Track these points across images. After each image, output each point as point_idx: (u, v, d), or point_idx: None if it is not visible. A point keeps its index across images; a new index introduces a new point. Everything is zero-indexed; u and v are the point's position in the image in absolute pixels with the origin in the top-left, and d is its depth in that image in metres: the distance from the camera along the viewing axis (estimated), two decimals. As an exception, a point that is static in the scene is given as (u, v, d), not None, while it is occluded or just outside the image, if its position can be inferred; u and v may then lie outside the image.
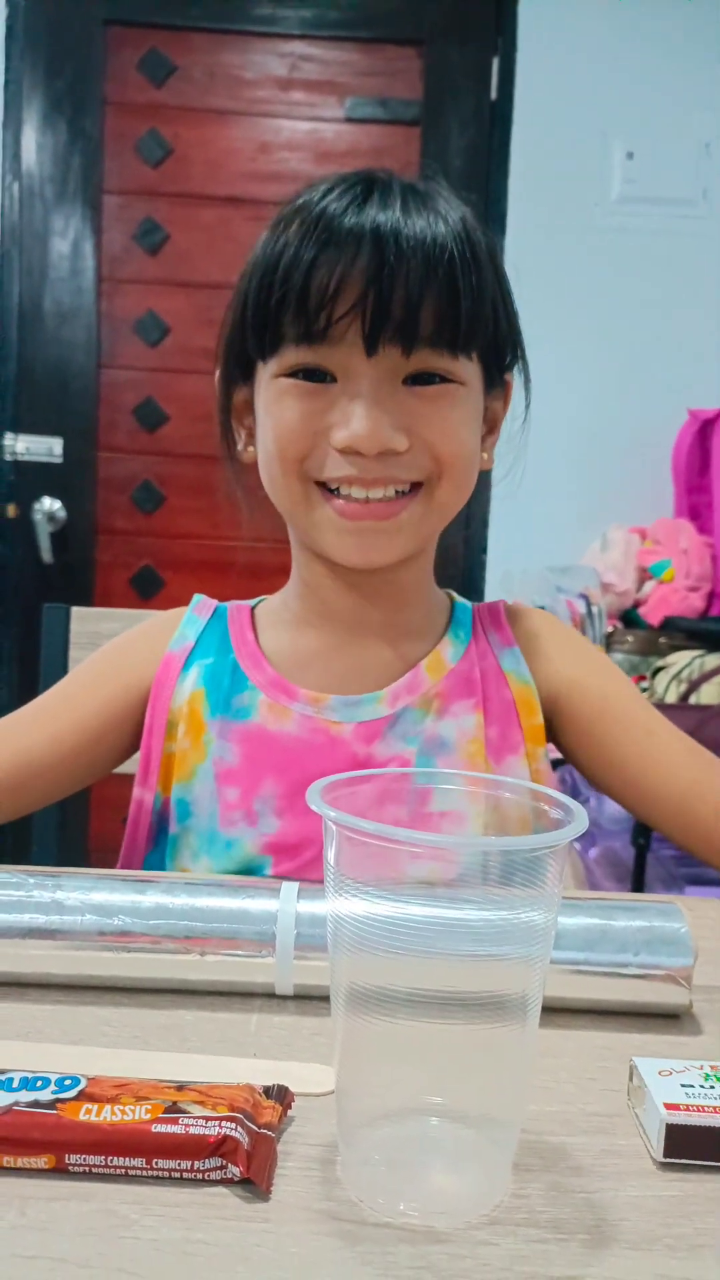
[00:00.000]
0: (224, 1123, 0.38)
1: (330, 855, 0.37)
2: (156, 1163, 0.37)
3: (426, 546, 0.71)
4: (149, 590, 2.17)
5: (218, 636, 0.74)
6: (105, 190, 2.14)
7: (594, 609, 1.91)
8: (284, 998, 0.51)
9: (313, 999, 0.50)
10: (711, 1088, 0.41)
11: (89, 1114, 0.38)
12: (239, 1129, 0.38)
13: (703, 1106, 0.40)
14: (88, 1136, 0.37)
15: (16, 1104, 0.38)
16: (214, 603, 0.77)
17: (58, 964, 0.51)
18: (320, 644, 0.72)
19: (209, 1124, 0.38)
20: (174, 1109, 0.38)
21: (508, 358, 0.70)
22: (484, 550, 2.17)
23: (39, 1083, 0.39)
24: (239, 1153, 0.37)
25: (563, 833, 0.36)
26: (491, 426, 0.72)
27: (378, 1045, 0.37)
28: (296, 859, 0.68)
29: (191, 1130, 0.37)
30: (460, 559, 2.19)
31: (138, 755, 0.73)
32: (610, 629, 1.91)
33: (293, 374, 0.64)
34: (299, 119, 2.16)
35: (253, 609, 0.76)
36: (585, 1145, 0.41)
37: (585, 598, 1.94)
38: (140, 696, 0.72)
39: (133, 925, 0.51)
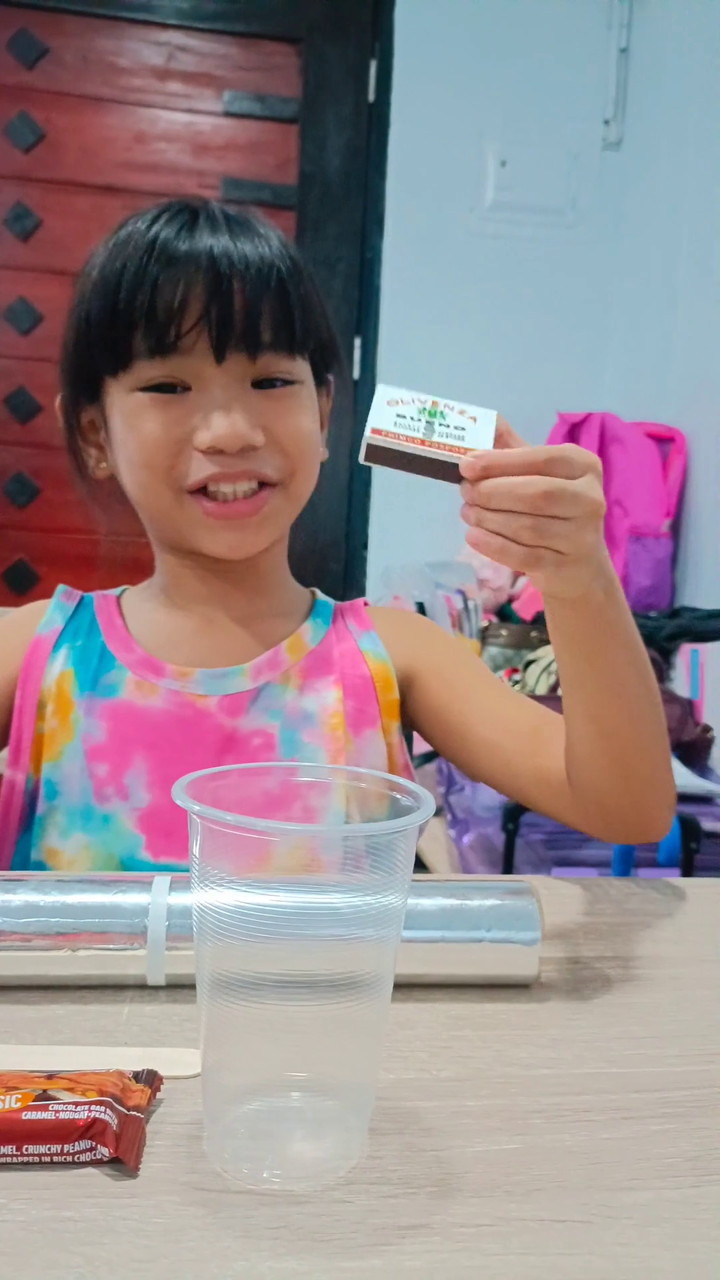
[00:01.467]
0: (93, 1106, 0.39)
1: (195, 848, 0.39)
2: (26, 1149, 0.38)
3: (283, 536, 0.77)
4: (23, 585, 2.12)
5: (86, 621, 0.76)
6: (-26, 173, 2.08)
7: (470, 604, 1.97)
8: (156, 988, 0.52)
9: (184, 988, 0.52)
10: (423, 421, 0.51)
11: None
12: (108, 1111, 0.39)
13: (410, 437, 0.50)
14: None
15: None
16: (79, 592, 0.79)
17: None
18: (186, 626, 0.75)
19: (78, 1108, 0.39)
20: (44, 1096, 0.39)
21: (329, 358, 0.77)
22: (365, 546, 2.21)
23: None
24: (107, 1134, 0.38)
25: (412, 817, 0.39)
26: (323, 421, 0.78)
27: (243, 1027, 0.39)
28: (172, 835, 0.70)
29: (61, 1115, 0.39)
30: (342, 554, 2.22)
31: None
32: (485, 623, 1.97)
33: (147, 388, 0.68)
34: (176, 110, 2.14)
35: (118, 597, 0.79)
36: (437, 1108, 0.44)
37: (462, 593, 2.00)
38: (8, 686, 0.74)
39: (3, 925, 0.51)
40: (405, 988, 0.52)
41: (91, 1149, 0.38)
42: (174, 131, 2.14)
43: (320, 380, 0.76)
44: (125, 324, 0.67)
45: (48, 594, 0.79)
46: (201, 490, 0.70)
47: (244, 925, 0.38)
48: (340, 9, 2.18)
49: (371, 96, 2.20)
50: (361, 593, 2.20)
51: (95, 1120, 0.39)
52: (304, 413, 0.71)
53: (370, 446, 0.52)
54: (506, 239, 2.21)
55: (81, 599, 0.78)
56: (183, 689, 0.73)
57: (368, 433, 0.51)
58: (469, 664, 0.79)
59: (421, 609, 2.04)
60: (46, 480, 2.13)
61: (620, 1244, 0.36)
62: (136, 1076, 0.43)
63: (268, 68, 2.17)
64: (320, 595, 0.81)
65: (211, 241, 0.67)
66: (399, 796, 0.42)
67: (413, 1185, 0.39)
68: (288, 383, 0.70)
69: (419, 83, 2.17)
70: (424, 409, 0.53)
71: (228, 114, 2.16)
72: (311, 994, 0.38)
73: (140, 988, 0.52)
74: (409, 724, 0.79)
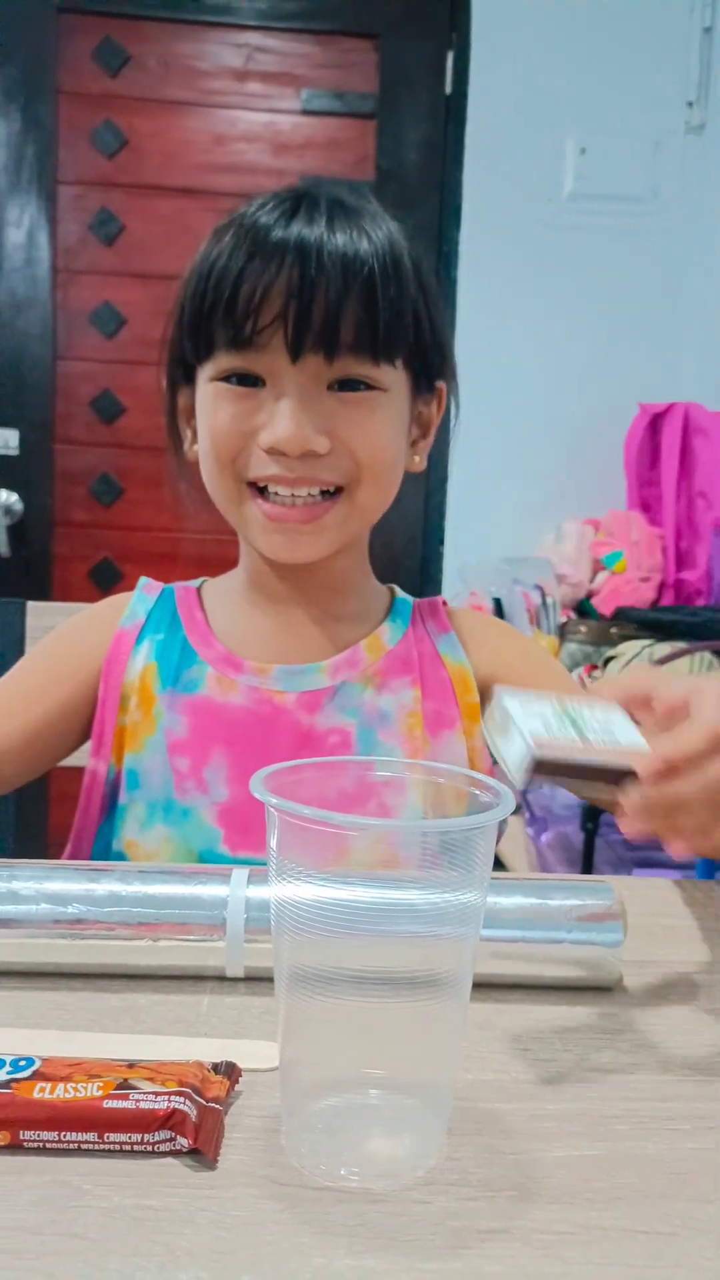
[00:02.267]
0: (173, 1097, 0.39)
1: (272, 841, 0.39)
2: (108, 1136, 0.39)
3: (355, 543, 0.75)
4: (108, 583, 2.17)
5: (167, 614, 0.77)
6: (60, 181, 2.13)
7: (548, 600, 1.94)
8: (235, 980, 0.53)
9: (263, 980, 0.52)
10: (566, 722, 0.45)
11: (42, 1092, 0.40)
12: (187, 1102, 0.39)
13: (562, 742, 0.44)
14: (41, 1113, 0.39)
15: None
16: (160, 584, 0.80)
17: (13, 952, 0.52)
18: (265, 623, 0.75)
19: (158, 1098, 0.39)
20: (125, 1085, 0.40)
21: (435, 366, 0.73)
22: (441, 542, 2.20)
23: None
24: (187, 1125, 0.39)
25: (491, 814, 0.38)
26: (424, 430, 0.76)
27: (320, 1022, 0.39)
28: (250, 830, 0.70)
29: (141, 1105, 0.39)
30: (418, 551, 2.21)
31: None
32: (564, 619, 1.94)
33: (225, 378, 0.68)
34: (255, 110, 2.16)
35: (198, 589, 0.79)
36: (516, 1110, 0.43)
37: (540, 589, 1.97)
38: (93, 678, 0.75)
39: (87, 913, 0.52)
40: (483, 988, 0.51)
41: (171, 1139, 0.39)
42: (253, 132, 2.16)
43: (425, 388, 0.73)
44: (210, 313, 0.67)
45: (130, 590, 0.80)
46: (262, 490, 0.69)
47: (321, 920, 0.38)
48: (417, 3, 2.16)
49: (448, 89, 2.18)
50: (438, 589, 2.18)
51: (175, 1111, 0.39)
52: (382, 421, 0.69)
53: (536, 760, 0.43)
54: (585, 229, 2.17)
55: (163, 591, 0.79)
56: (261, 685, 0.73)
57: (529, 743, 0.43)
58: (557, 676, 0.78)
59: (498, 605, 2.02)
60: (131, 480, 2.18)
61: (707, 1258, 0.35)
62: (215, 1068, 0.43)
63: (345, 64, 2.18)
64: (399, 593, 0.80)
65: (305, 232, 0.65)
66: (478, 793, 0.42)
67: (492, 1188, 0.38)
68: (369, 388, 0.68)
69: (496, 73, 2.15)
70: (559, 711, 0.46)
71: (305, 112, 2.17)
72: (389, 990, 0.38)
73: (219, 979, 0.53)
74: None
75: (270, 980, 0.46)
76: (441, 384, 0.75)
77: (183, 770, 0.71)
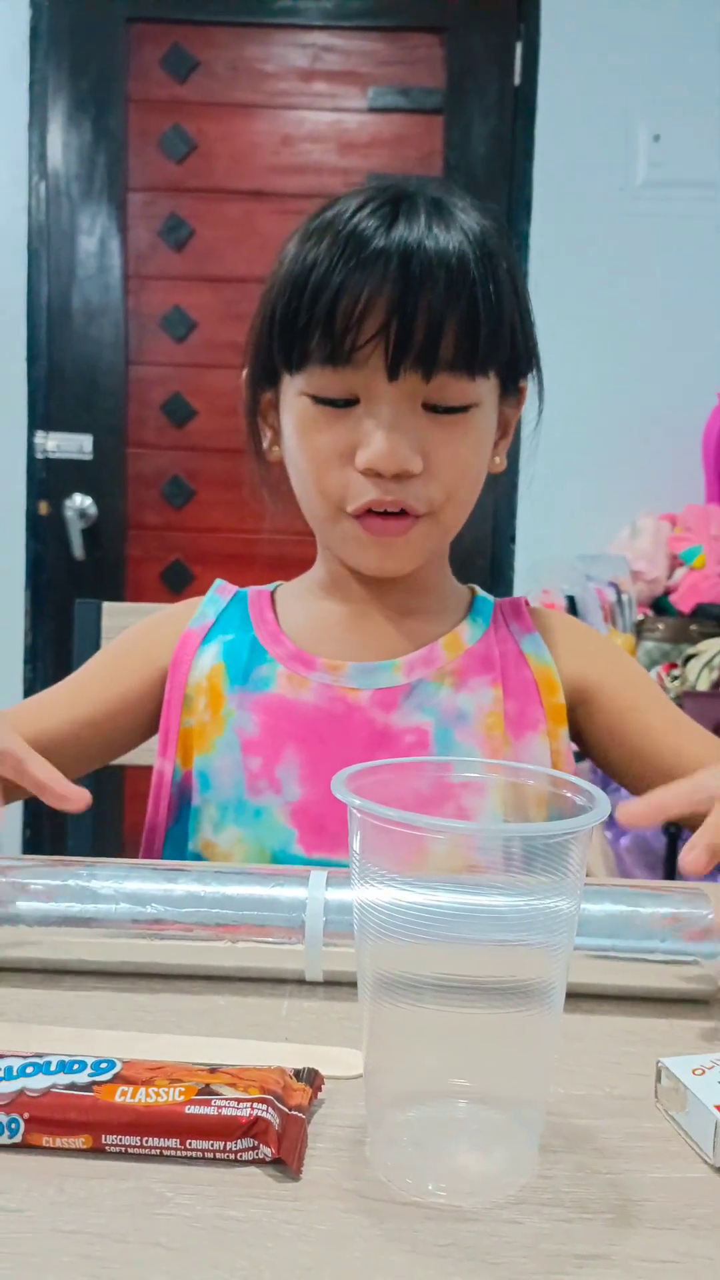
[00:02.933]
0: (255, 1104, 0.39)
1: (355, 843, 0.38)
2: (190, 1143, 0.38)
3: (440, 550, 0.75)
4: (179, 584, 2.19)
5: (238, 616, 0.77)
6: (130, 187, 2.15)
7: (624, 597, 1.90)
8: (314, 984, 0.52)
9: (342, 984, 0.51)
10: None
11: (124, 1096, 0.39)
12: (270, 1110, 0.38)
13: None
14: (123, 1117, 0.38)
15: (54, 1086, 0.40)
16: (234, 587, 0.80)
17: (92, 951, 0.52)
18: (338, 617, 0.75)
19: (241, 1105, 0.39)
20: (207, 1091, 0.39)
21: (523, 368, 0.72)
22: (512, 540, 2.17)
23: (76, 1066, 0.41)
24: (270, 1133, 0.38)
25: (585, 818, 0.37)
26: (504, 431, 0.75)
27: (404, 1029, 0.38)
28: (324, 830, 0.69)
29: (224, 1112, 0.38)
30: (488, 549, 2.19)
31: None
32: (640, 617, 1.90)
33: (318, 398, 0.67)
34: (322, 110, 2.16)
35: (272, 592, 0.79)
36: (611, 1128, 0.41)
37: (615, 586, 1.93)
38: (159, 675, 0.75)
39: (165, 914, 0.52)
40: (572, 998, 0.49)
41: (254, 1148, 0.38)
42: (319, 132, 2.16)
43: (512, 390, 0.72)
44: (306, 325, 0.65)
45: (202, 592, 0.80)
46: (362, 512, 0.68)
47: (404, 924, 0.37)
48: (484, -6, 2.14)
49: (517, 80, 2.15)
50: (509, 587, 2.15)
51: (258, 1119, 0.38)
52: (473, 443, 0.68)
53: None
54: (660, 216, 2.12)
55: (235, 594, 0.79)
56: (334, 682, 0.72)
57: (716, 1116, 0.39)
58: (649, 689, 0.76)
59: (572, 603, 1.98)
60: (201, 482, 2.19)
61: None
62: (298, 1075, 0.42)
63: (411, 60, 2.16)
64: (480, 592, 0.79)
65: (409, 238, 0.63)
66: (568, 794, 0.40)
67: (588, 1210, 0.36)
68: (464, 408, 0.67)
69: (566, 63, 2.11)
70: None
71: (372, 110, 2.16)
72: (475, 998, 0.37)
73: (299, 983, 0.52)
74: (573, 739, 0.76)
75: (350, 985, 0.45)
76: (524, 383, 0.74)
77: (254, 769, 0.71)
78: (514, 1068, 0.39)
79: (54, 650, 2.17)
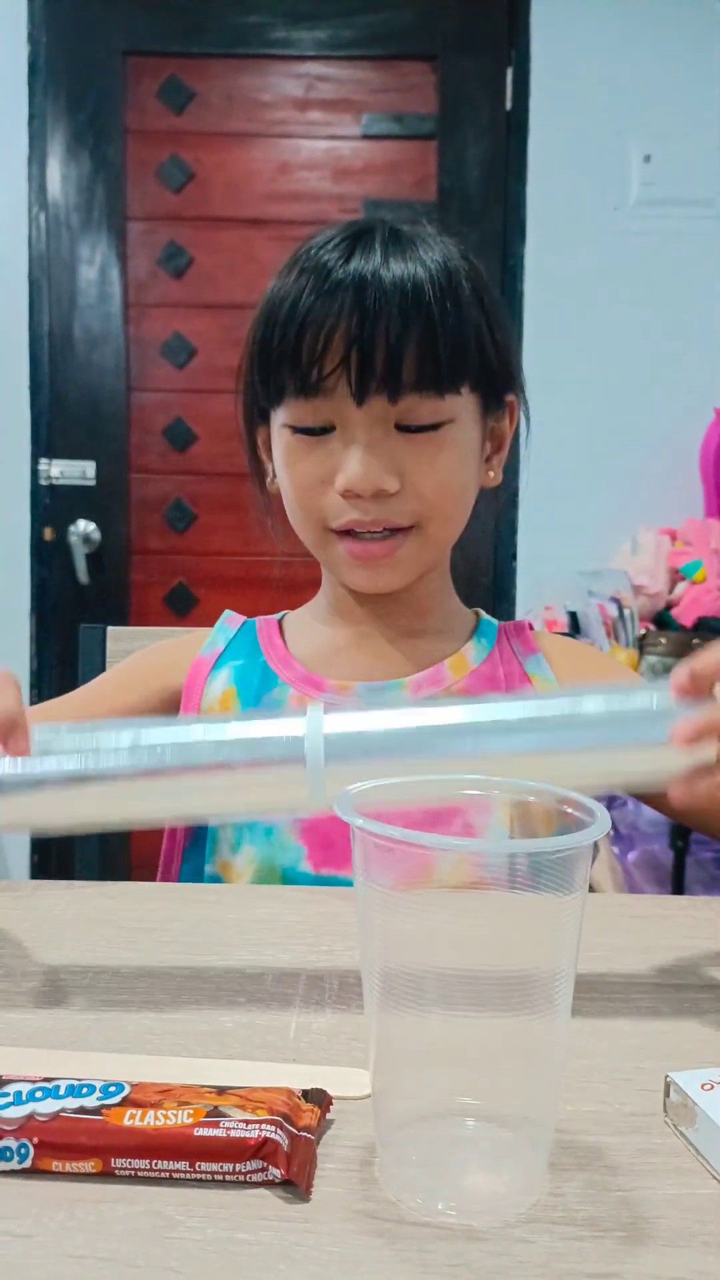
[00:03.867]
0: (264, 1125, 0.39)
1: (358, 858, 0.38)
2: (199, 1165, 0.38)
3: (435, 566, 0.75)
4: (183, 608, 2.20)
5: (248, 643, 0.78)
6: (129, 217, 2.18)
7: (626, 612, 1.90)
8: (320, 1000, 0.52)
9: (350, 998, 0.51)
10: None
11: (133, 1119, 0.39)
12: (279, 1132, 0.38)
13: None
14: (132, 1140, 0.38)
15: (64, 1110, 0.40)
16: (242, 617, 0.81)
17: (97, 807, 0.52)
18: (344, 639, 0.76)
19: (249, 1127, 0.39)
20: (215, 1113, 0.39)
21: (502, 383, 0.73)
22: (513, 557, 2.17)
23: (84, 1089, 0.41)
24: (279, 1155, 0.38)
25: (586, 833, 0.37)
26: (498, 445, 0.76)
27: (411, 1044, 0.38)
28: (332, 846, 0.70)
29: (233, 1134, 0.38)
30: (490, 566, 2.19)
31: None
32: (643, 631, 1.90)
33: (295, 427, 0.69)
34: (317, 138, 2.18)
35: (279, 620, 0.80)
36: (621, 1144, 0.41)
37: (617, 601, 1.93)
38: (170, 699, 0.76)
39: (164, 762, 0.51)
40: (579, 1015, 0.49)
41: (263, 1169, 0.38)
42: (315, 159, 2.19)
43: (495, 404, 0.74)
44: (278, 361, 0.68)
45: (206, 615, 0.81)
46: (344, 532, 0.70)
47: (409, 931, 0.37)
48: (475, 22, 2.17)
49: (509, 105, 2.18)
50: (511, 604, 2.16)
51: (266, 1140, 0.38)
52: (450, 457, 0.69)
53: None
54: (653, 234, 2.14)
55: (244, 623, 0.80)
56: (342, 703, 0.72)
57: None
58: None
59: (574, 619, 1.98)
60: (203, 506, 2.21)
61: None
62: (306, 1095, 0.42)
63: (405, 87, 2.19)
64: (485, 615, 0.80)
65: (362, 270, 0.66)
66: (571, 810, 0.40)
67: (599, 1228, 0.36)
68: (435, 426, 0.68)
69: (557, 86, 2.14)
70: None
71: (366, 136, 2.19)
72: (479, 1006, 0.37)
73: (305, 1004, 0.52)
74: None
75: (356, 996, 0.45)
76: (511, 397, 0.75)
77: None
78: (522, 1085, 0.39)
79: (59, 674, 2.17)
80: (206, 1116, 0.39)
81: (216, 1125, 0.39)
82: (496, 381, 0.72)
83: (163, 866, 0.76)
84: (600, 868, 1.56)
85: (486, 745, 0.51)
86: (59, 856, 2.21)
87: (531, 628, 0.80)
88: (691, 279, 2.14)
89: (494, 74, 2.18)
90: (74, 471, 2.18)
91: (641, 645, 1.86)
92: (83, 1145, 0.39)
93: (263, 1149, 0.38)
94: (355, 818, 0.37)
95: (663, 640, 1.84)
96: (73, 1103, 0.40)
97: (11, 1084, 0.41)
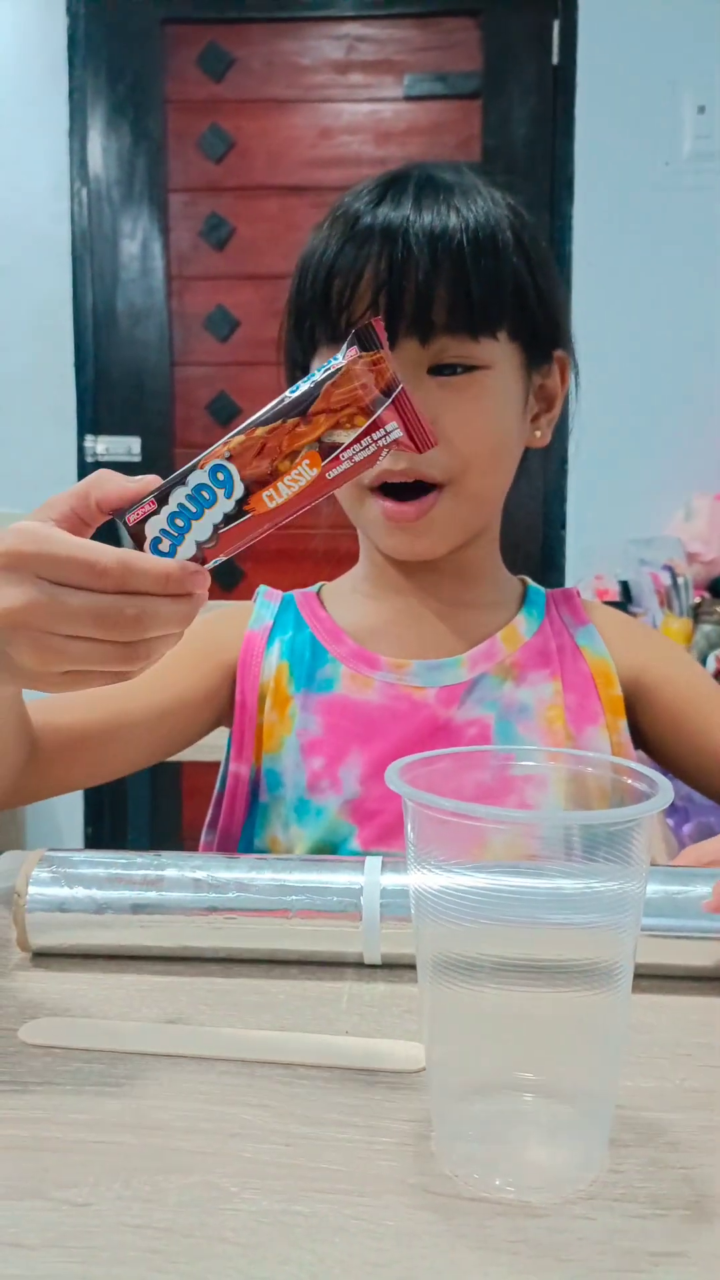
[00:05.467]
0: (361, 417, 0.41)
1: (410, 832, 0.37)
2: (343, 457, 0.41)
3: (484, 529, 0.73)
4: (229, 582, 2.20)
5: (291, 616, 0.77)
6: (170, 189, 2.17)
7: (679, 580, 1.86)
8: (374, 967, 0.51)
9: (401, 967, 0.50)
10: None
11: (271, 499, 0.42)
12: (376, 401, 0.41)
13: None
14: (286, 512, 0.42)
15: (215, 527, 0.43)
16: (280, 592, 0.79)
17: (154, 937, 0.52)
18: (394, 615, 0.74)
19: (363, 442, 0.41)
20: (324, 447, 0.41)
21: (547, 335, 0.70)
22: (563, 526, 2.14)
23: (204, 493, 0.44)
24: (391, 412, 0.41)
25: (647, 805, 0.36)
26: (548, 404, 0.73)
27: (466, 1018, 0.37)
28: (382, 825, 0.69)
29: (356, 458, 0.41)
30: (539, 535, 2.16)
31: (223, 731, 0.76)
32: (698, 600, 1.86)
33: None
34: (358, 101, 2.15)
35: (317, 593, 0.79)
36: (683, 1121, 0.40)
37: (670, 569, 1.89)
38: (226, 675, 0.75)
39: (222, 901, 0.52)
40: (639, 990, 0.48)
41: (386, 434, 0.41)
42: (356, 123, 2.15)
43: (541, 358, 0.71)
44: (309, 310, 0.67)
45: (253, 590, 0.80)
46: (381, 488, 0.68)
47: (461, 908, 0.36)
48: (520, -27, 2.11)
49: (555, 59, 2.11)
50: (561, 574, 2.12)
51: (378, 418, 0.41)
52: (487, 404, 0.67)
53: None
54: (707, 190, 2.07)
55: (283, 598, 0.79)
56: (399, 681, 0.71)
57: None
58: (706, 683, 0.75)
59: (626, 588, 1.95)
60: (247, 479, 2.20)
61: None
62: (359, 342, 0.42)
63: (448, 45, 2.14)
64: (531, 583, 0.78)
65: (391, 215, 0.64)
66: (631, 781, 0.39)
67: (662, 1205, 0.35)
68: (469, 369, 0.66)
69: (605, 38, 2.07)
70: None
71: (408, 98, 2.14)
72: (535, 980, 0.36)
73: (359, 966, 0.51)
74: (632, 737, 0.75)
75: (410, 969, 0.45)
76: (561, 353, 0.72)
77: (317, 769, 0.71)
78: (580, 1059, 0.38)
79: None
80: (324, 461, 0.41)
81: (338, 462, 0.41)
82: (541, 333, 0.70)
83: (220, 848, 0.75)
84: (654, 839, 1.54)
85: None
86: (112, 823, 2.25)
87: (579, 595, 0.78)
88: (747, 234, 2.07)
89: (540, 27, 2.12)
90: (119, 448, 2.19)
91: (696, 614, 1.82)
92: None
93: (376, 428, 0.40)
94: (406, 789, 0.37)
95: (718, 609, 1.80)
96: (214, 515, 0.43)
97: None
